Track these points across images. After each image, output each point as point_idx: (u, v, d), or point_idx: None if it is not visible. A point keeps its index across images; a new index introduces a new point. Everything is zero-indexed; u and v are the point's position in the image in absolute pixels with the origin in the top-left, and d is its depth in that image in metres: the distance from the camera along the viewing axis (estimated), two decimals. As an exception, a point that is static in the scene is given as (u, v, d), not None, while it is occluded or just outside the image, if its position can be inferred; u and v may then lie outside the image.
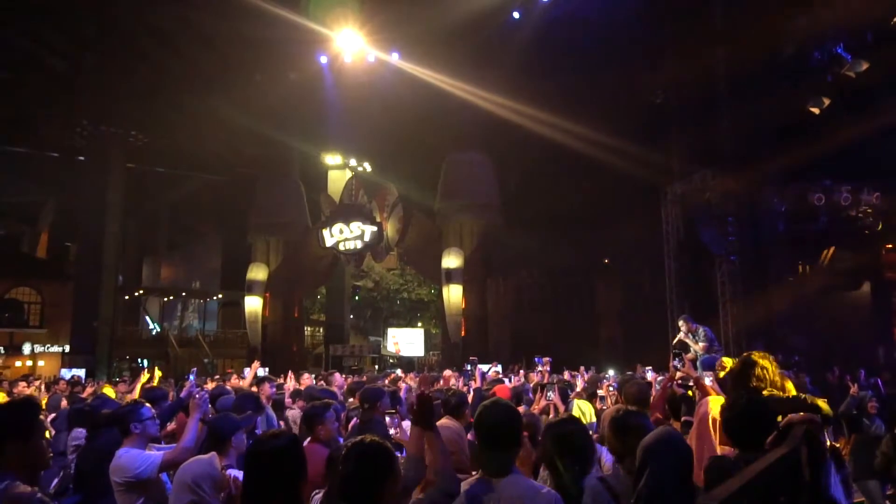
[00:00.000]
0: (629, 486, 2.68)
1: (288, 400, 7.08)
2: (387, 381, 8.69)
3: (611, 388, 7.55)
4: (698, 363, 10.48)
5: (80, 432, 5.48)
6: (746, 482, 1.79)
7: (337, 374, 8.68)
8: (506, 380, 7.95)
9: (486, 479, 2.54)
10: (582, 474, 2.81)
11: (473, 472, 2.86)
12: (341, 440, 4.54)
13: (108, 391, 8.38)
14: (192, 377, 6.17)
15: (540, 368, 8.80)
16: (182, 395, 5.33)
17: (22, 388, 9.87)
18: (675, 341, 10.84)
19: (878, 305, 16.44)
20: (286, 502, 2.47)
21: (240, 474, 3.65)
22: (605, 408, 5.81)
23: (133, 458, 3.90)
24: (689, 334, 10.24)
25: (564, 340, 17.54)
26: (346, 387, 8.15)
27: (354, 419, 5.32)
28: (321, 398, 5.28)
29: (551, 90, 17.34)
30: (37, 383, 10.98)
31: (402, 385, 7.70)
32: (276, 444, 2.55)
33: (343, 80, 19.90)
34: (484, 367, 9.88)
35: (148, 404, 4.34)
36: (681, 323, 10.38)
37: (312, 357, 29.77)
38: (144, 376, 7.88)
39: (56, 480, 5.39)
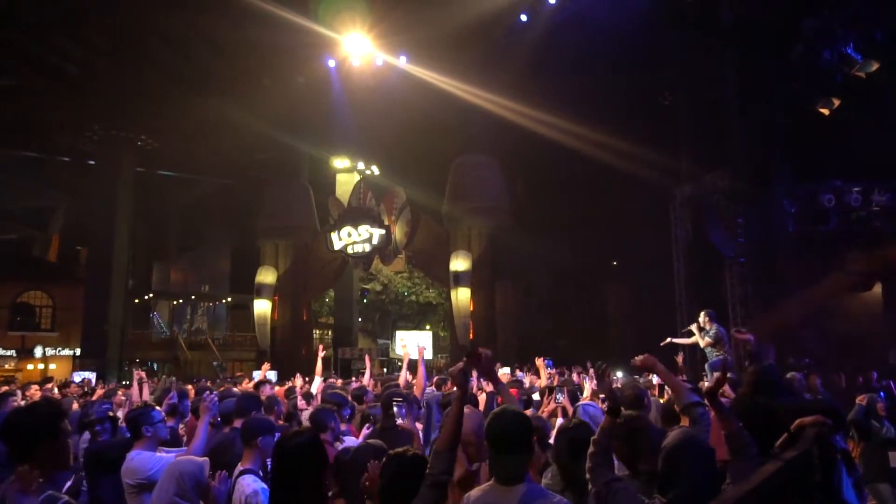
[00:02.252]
0: (640, 489, 2.67)
1: (301, 402, 7.10)
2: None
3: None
4: (707, 365, 10.52)
5: (88, 435, 5.54)
6: (758, 485, 1.79)
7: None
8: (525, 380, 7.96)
9: (498, 486, 2.53)
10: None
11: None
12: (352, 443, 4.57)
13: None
14: (172, 383, 6.19)
15: (549, 371, 8.78)
16: (163, 407, 5.37)
17: (34, 392, 9.92)
18: (685, 329, 10.96)
19: (890, 306, 16.32)
20: (308, 497, 2.50)
21: (251, 482, 3.67)
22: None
23: (145, 460, 3.93)
24: (703, 328, 10.34)
25: (573, 343, 17.52)
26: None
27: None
28: (335, 401, 5.33)
29: (559, 92, 17.33)
30: (48, 386, 11.04)
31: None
32: (297, 441, 2.62)
33: (351, 83, 19.97)
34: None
35: (158, 408, 4.37)
36: (702, 314, 10.50)
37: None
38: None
39: (69, 483, 5.43)
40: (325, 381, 8.96)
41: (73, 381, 15.44)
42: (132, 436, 4.16)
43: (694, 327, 10.60)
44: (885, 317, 16.28)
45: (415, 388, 6.14)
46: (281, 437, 2.75)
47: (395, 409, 4.37)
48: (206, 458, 3.74)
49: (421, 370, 6.27)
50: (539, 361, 7.11)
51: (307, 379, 9.23)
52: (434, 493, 2.40)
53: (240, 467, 3.85)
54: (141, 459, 3.96)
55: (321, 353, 8.21)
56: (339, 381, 9.52)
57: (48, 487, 2.43)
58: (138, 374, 7.94)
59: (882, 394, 7.77)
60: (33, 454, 2.48)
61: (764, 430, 2.77)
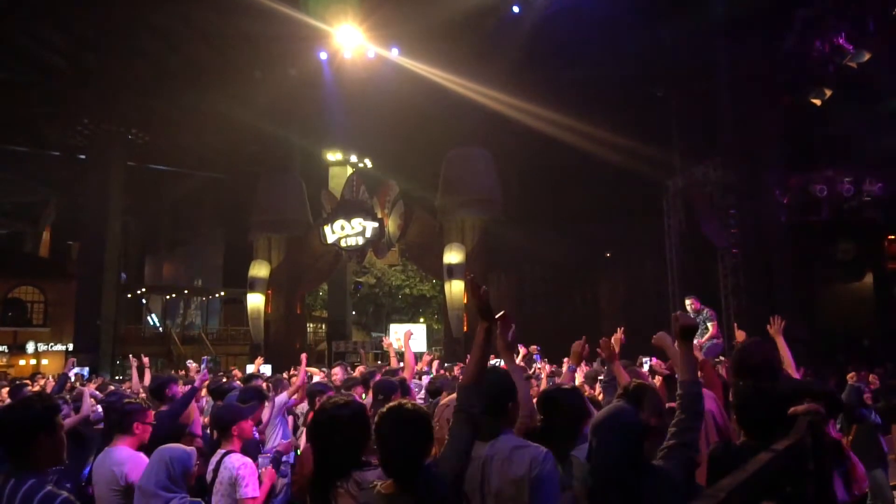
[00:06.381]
0: None
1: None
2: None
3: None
4: (702, 350, 10.54)
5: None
6: (752, 473, 1.79)
7: (338, 368, 8.65)
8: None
9: (478, 442, 2.56)
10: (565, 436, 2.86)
11: None
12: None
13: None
14: (203, 366, 6.25)
15: (538, 365, 8.80)
16: (196, 383, 5.44)
17: (25, 384, 9.84)
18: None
19: (880, 296, 16.45)
20: (343, 469, 2.49)
21: (238, 457, 3.81)
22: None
23: (139, 463, 3.85)
24: (694, 313, 10.26)
25: (567, 334, 17.52)
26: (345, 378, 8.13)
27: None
28: (322, 391, 5.37)
29: (551, 85, 17.31)
30: (42, 381, 10.98)
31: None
32: (337, 412, 2.60)
33: (343, 76, 19.87)
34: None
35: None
36: (688, 302, 10.39)
37: (315, 353, 29.85)
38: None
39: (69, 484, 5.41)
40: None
41: (69, 376, 15.34)
42: (120, 429, 4.07)
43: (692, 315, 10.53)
44: (875, 305, 16.42)
45: (404, 371, 6.21)
46: (321, 406, 2.74)
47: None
48: (194, 448, 3.76)
49: (409, 354, 6.36)
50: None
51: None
52: (469, 427, 2.38)
53: (221, 451, 3.97)
54: (136, 460, 3.89)
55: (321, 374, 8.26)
56: (322, 374, 9.47)
57: (44, 483, 2.42)
58: (134, 361, 7.97)
59: (863, 384, 7.87)
60: (29, 449, 2.48)
61: (762, 414, 2.78)
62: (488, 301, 2.70)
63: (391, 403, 2.42)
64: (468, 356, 2.78)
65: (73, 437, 4.68)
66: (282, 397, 5.91)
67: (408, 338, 6.73)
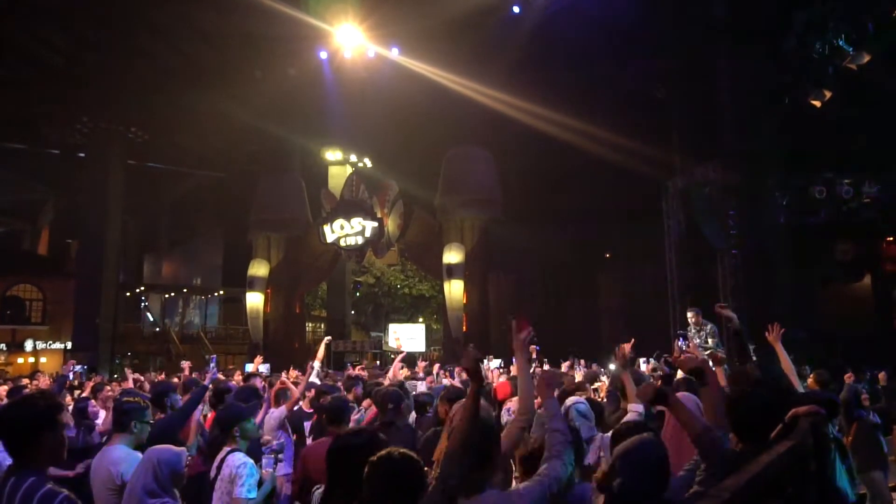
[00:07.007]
0: None
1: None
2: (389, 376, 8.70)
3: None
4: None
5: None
6: (755, 475, 1.80)
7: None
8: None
9: (460, 500, 2.50)
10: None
11: None
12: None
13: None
14: (212, 365, 6.24)
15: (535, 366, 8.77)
16: (206, 382, 5.45)
17: (24, 384, 9.82)
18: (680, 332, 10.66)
19: (879, 297, 16.47)
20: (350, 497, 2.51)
21: (241, 457, 3.85)
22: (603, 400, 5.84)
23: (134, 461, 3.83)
24: (696, 327, 10.09)
25: (566, 335, 17.55)
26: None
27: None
28: (328, 392, 5.37)
29: (552, 85, 17.32)
30: (41, 380, 10.96)
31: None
32: (354, 441, 2.67)
33: (343, 75, 19.87)
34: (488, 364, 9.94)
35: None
36: (690, 315, 10.20)
37: (314, 353, 29.84)
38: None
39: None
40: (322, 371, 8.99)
41: (68, 376, 15.32)
42: (118, 426, 4.08)
43: (690, 333, 10.23)
44: (874, 306, 16.45)
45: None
46: (338, 435, 2.78)
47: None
48: (184, 448, 3.76)
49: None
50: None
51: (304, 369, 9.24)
52: (444, 500, 2.33)
53: (226, 448, 4.03)
54: (132, 459, 3.87)
55: (325, 341, 8.40)
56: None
57: (44, 481, 2.42)
58: (133, 376, 7.97)
59: (862, 384, 7.89)
60: (31, 446, 2.47)
61: (760, 420, 2.79)
62: (478, 363, 2.66)
63: (381, 453, 2.34)
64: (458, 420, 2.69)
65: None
66: (280, 411, 5.80)
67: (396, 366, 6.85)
